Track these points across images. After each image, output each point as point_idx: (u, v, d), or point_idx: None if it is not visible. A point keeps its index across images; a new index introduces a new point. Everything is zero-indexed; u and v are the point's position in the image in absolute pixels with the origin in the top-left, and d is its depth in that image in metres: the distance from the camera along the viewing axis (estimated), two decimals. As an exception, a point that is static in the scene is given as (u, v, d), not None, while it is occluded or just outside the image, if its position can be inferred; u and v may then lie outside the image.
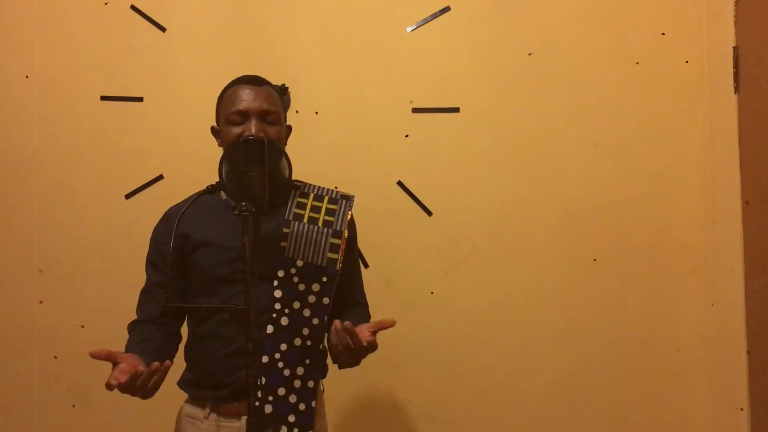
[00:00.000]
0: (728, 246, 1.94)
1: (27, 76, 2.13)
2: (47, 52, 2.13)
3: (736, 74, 1.90)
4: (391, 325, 1.21)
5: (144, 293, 1.42)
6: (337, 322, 1.21)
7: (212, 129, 1.45)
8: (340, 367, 1.31)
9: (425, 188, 2.10)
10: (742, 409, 1.85)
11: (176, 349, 1.40)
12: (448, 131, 2.10)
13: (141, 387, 1.12)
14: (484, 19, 2.11)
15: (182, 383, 1.39)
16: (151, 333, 1.35)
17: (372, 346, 1.22)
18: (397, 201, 2.10)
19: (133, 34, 2.13)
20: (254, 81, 1.38)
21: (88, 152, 2.12)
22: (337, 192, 1.45)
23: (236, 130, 1.33)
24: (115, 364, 1.15)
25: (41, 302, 2.10)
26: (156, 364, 1.12)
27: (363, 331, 1.21)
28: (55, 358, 2.09)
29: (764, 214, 1.78)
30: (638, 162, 2.08)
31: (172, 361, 1.30)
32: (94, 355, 1.12)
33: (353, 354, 1.22)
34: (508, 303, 2.08)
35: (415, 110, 2.11)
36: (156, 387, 1.15)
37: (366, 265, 2.07)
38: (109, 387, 1.08)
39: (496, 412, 2.07)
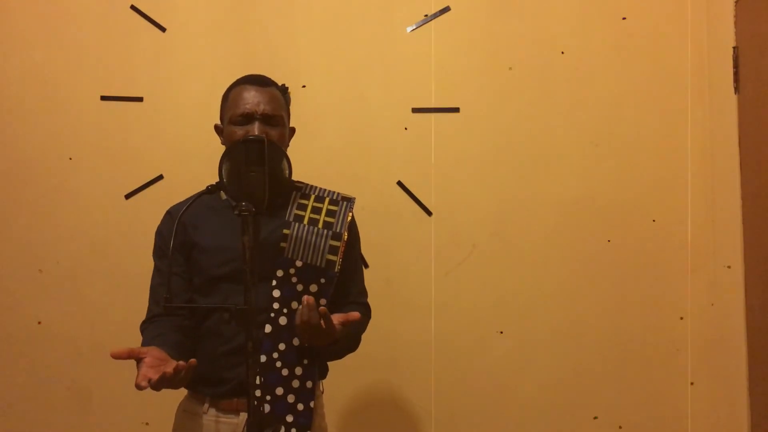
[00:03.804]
0: (728, 246, 1.93)
1: (28, 77, 2.13)
2: (47, 52, 2.13)
3: (736, 74, 1.90)
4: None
5: (159, 286, 1.39)
6: (305, 297, 1.22)
7: (216, 127, 1.45)
8: (301, 342, 1.30)
9: (425, 188, 2.10)
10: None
11: (192, 340, 1.36)
12: (448, 131, 2.10)
13: (170, 383, 1.09)
14: (484, 19, 2.11)
15: None
16: (165, 327, 1.33)
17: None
18: (397, 201, 2.10)
19: (133, 34, 2.13)
20: (259, 81, 1.38)
21: (88, 152, 2.12)
22: (338, 194, 1.46)
23: (239, 131, 1.34)
24: (138, 360, 1.12)
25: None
26: (182, 363, 1.10)
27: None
28: (55, 358, 2.09)
29: (764, 214, 1.78)
30: (638, 162, 2.08)
31: (192, 355, 1.29)
32: (116, 356, 1.08)
33: (312, 331, 1.22)
34: (508, 303, 2.08)
35: (415, 110, 2.11)
36: (186, 380, 1.13)
37: (366, 265, 2.06)
38: (140, 387, 1.04)
39: (496, 412, 2.07)
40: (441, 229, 2.10)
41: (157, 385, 1.07)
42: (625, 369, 2.06)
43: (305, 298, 1.22)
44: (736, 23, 1.90)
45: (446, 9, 2.11)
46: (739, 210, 1.88)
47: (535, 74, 2.10)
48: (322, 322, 1.20)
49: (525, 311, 2.08)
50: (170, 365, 1.10)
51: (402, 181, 2.11)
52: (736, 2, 1.90)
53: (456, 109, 2.10)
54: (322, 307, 1.20)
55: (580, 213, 2.08)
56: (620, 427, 2.05)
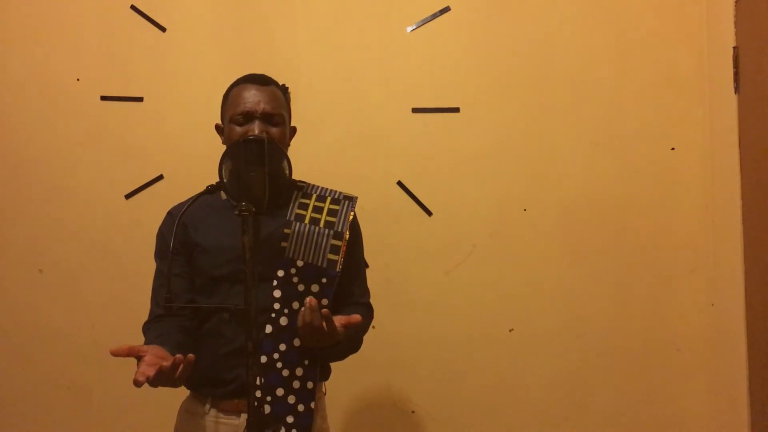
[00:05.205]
0: (728, 246, 1.93)
1: (28, 77, 2.13)
2: (47, 52, 2.13)
3: (736, 74, 1.90)
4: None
5: (161, 287, 1.38)
6: (307, 299, 1.22)
7: (216, 127, 1.45)
8: (303, 344, 1.30)
9: (425, 188, 2.10)
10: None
11: (194, 341, 1.36)
12: (448, 131, 2.10)
13: (168, 379, 1.09)
14: (484, 19, 2.11)
15: None
16: (167, 328, 1.32)
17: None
18: (397, 201, 2.10)
19: (133, 34, 2.13)
20: (260, 80, 1.38)
21: (88, 152, 2.12)
22: (339, 193, 1.45)
23: (240, 130, 1.34)
24: (138, 358, 1.11)
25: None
26: (179, 356, 1.09)
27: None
28: (55, 358, 2.09)
29: (764, 214, 1.78)
30: (638, 162, 2.08)
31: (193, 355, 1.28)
32: (116, 353, 1.08)
33: (314, 332, 1.21)
34: (507, 303, 2.08)
35: (415, 110, 2.11)
36: (184, 376, 1.12)
37: (366, 265, 2.06)
38: (137, 383, 1.04)
39: (496, 412, 2.07)
40: (441, 229, 2.10)
41: (155, 381, 1.06)
42: (625, 369, 2.06)
43: (308, 299, 1.21)
44: (736, 23, 1.90)
45: (446, 9, 2.11)
46: (739, 210, 1.88)
47: (535, 74, 2.10)
48: (324, 324, 1.20)
49: (524, 311, 2.08)
50: (168, 360, 1.09)
51: (402, 181, 2.10)
52: (736, 2, 1.90)
53: (456, 109, 2.10)
54: (324, 309, 1.19)
55: (580, 213, 2.08)
56: (621, 427, 2.05)
